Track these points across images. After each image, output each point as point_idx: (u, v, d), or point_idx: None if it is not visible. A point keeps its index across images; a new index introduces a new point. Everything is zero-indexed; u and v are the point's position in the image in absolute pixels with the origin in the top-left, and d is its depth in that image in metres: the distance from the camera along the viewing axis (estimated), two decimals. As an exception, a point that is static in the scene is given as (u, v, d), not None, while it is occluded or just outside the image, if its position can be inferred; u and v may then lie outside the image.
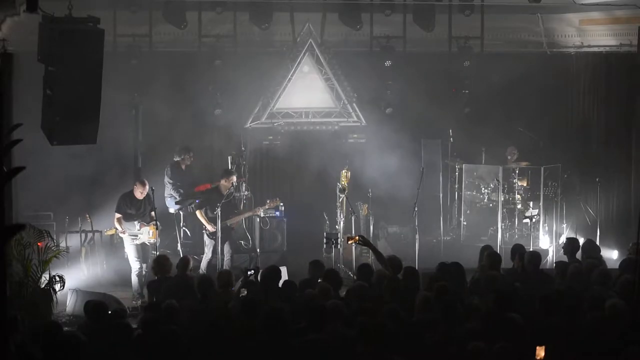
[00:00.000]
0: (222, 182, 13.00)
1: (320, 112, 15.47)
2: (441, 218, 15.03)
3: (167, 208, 14.06)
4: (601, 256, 10.59)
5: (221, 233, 12.66)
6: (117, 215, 12.41)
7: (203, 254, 12.88)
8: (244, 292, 9.36)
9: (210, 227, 12.74)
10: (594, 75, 15.58)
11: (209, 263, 12.81)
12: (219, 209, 12.79)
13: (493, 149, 15.50)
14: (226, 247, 12.69)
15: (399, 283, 8.85)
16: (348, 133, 15.59)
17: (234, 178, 13.11)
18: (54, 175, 13.40)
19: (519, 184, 14.94)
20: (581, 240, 11.09)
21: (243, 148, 14.85)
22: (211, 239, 12.78)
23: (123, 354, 7.38)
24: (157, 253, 11.61)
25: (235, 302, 8.87)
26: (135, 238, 12.30)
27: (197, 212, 13.02)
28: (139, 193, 12.39)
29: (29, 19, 10.74)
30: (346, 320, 7.60)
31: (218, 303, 8.80)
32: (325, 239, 13.13)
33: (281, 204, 14.29)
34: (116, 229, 12.47)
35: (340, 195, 13.49)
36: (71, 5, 9.34)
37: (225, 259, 12.67)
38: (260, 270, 9.60)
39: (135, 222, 12.36)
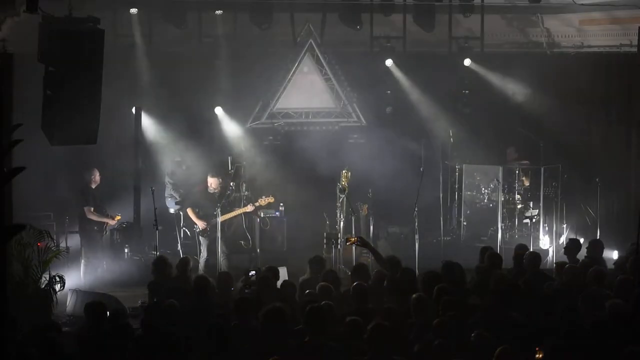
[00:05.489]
0: (209, 180, 13.06)
1: (320, 112, 15.47)
2: (441, 218, 15.02)
3: (167, 208, 14.06)
4: (601, 257, 10.59)
5: (211, 232, 12.72)
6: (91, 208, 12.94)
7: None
8: (246, 293, 9.36)
9: (200, 224, 12.82)
10: (594, 75, 15.57)
11: (207, 263, 12.83)
12: (219, 209, 12.82)
13: (493, 149, 15.50)
14: (220, 247, 12.72)
15: (398, 283, 8.85)
16: (348, 133, 15.59)
17: (213, 180, 13.05)
18: (53, 176, 13.41)
19: (523, 182, 14.94)
20: (581, 240, 11.09)
21: (243, 148, 14.85)
22: (204, 237, 12.85)
23: (123, 355, 7.38)
24: (157, 253, 11.60)
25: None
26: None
27: (189, 210, 13.06)
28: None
29: (29, 19, 10.74)
30: (345, 321, 7.59)
31: (218, 304, 8.80)
32: (325, 239, 13.13)
33: (281, 204, 14.30)
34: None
35: (340, 195, 13.48)
36: (71, 5, 9.36)
37: (220, 259, 12.69)
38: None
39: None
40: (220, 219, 12.73)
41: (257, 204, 13.54)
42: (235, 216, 14.08)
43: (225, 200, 13.48)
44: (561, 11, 15.70)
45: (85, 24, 9.39)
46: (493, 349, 6.89)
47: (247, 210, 13.53)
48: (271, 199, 13.64)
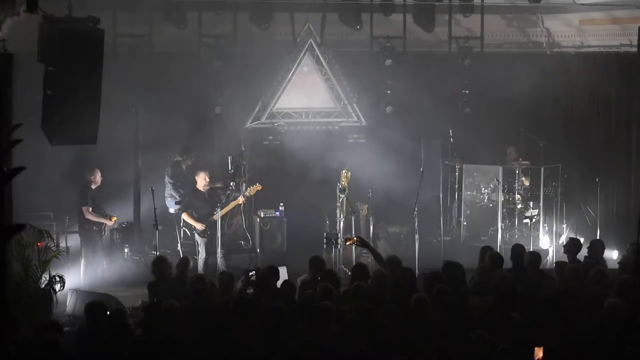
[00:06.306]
0: (198, 180, 13.08)
1: (320, 112, 15.47)
2: (441, 218, 15.01)
3: (167, 208, 14.07)
4: (602, 257, 10.59)
5: (210, 231, 12.75)
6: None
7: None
8: (246, 293, 9.35)
9: (199, 226, 12.86)
10: (594, 75, 15.56)
11: (206, 263, 12.85)
12: (219, 209, 12.84)
13: (493, 149, 15.50)
14: (218, 247, 12.75)
15: (398, 283, 8.85)
16: (348, 133, 15.58)
17: (202, 175, 13.11)
18: (54, 175, 13.41)
19: (523, 182, 14.94)
20: (581, 240, 11.09)
21: (243, 148, 14.85)
22: (202, 237, 12.88)
23: (123, 355, 7.38)
24: (157, 253, 11.60)
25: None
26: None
27: (184, 215, 13.09)
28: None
29: (29, 19, 10.74)
30: (345, 321, 7.59)
31: (218, 303, 8.79)
32: (325, 239, 13.13)
33: (281, 204, 14.30)
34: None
35: (340, 195, 13.49)
36: (71, 5, 9.36)
37: (218, 257, 12.72)
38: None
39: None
40: (217, 215, 12.75)
41: (247, 194, 13.59)
42: (235, 216, 14.14)
43: (226, 199, 13.51)
44: (561, 11, 15.70)
45: (85, 24, 9.39)
46: (493, 349, 6.90)
47: (240, 202, 13.56)
48: (259, 187, 13.70)
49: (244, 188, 14.21)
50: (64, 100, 9.24)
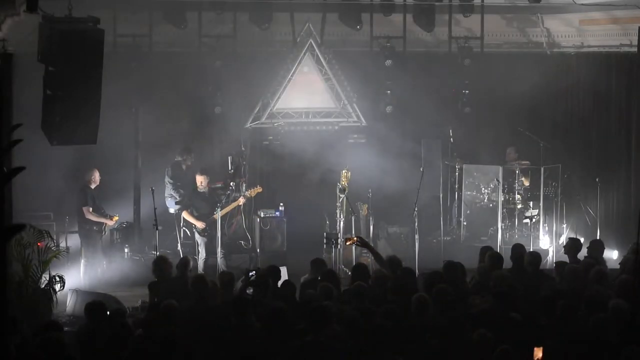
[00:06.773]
0: (197, 178, 13.14)
1: (320, 112, 15.46)
2: (441, 218, 15.01)
3: (167, 208, 14.07)
4: (602, 257, 10.58)
5: (211, 230, 12.76)
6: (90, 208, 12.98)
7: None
8: (246, 293, 9.35)
9: (199, 224, 12.89)
10: (594, 75, 15.56)
11: (206, 263, 12.86)
12: (219, 209, 12.86)
13: (493, 149, 15.50)
14: (218, 247, 12.77)
15: (398, 283, 8.85)
16: (348, 133, 15.58)
17: (199, 178, 13.18)
18: (53, 175, 13.41)
19: (523, 182, 14.94)
20: (581, 240, 11.09)
21: (243, 148, 14.85)
22: (203, 236, 12.89)
23: (123, 355, 7.38)
24: (157, 253, 11.60)
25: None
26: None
27: (184, 213, 13.13)
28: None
29: (29, 19, 10.75)
30: (345, 321, 7.60)
31: (219, 303, 8.79)
32: (325, 239, 13.13)
33: (281, 204, 14.31)
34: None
35: (340, 195, 13.49)
36: (71, 5, 9.36)
37: (218, 257, 12.73)
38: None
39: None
40: (217, 215, 12.76)
41: (247, 194, 13.64)
42: (236, 217, 14.15)
43: (226, 199, 13.52)
44: (561, 11, 15.69)
45: (85, 24, 9.39)
46: (493, 349, 6.90)
47: (240, 203, 13.60)
48: (259, 189, 13.83)
49: (244, 188, 14.23)
50: (64, 100, 9.24)
